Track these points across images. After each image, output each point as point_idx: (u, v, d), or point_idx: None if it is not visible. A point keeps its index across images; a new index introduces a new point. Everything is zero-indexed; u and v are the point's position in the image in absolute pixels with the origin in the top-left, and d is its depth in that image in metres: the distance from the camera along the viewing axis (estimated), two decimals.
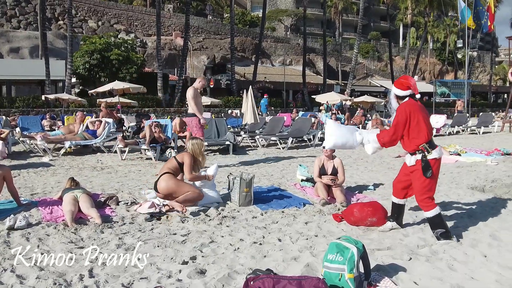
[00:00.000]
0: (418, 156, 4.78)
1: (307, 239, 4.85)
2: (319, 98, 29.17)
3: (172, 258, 4.23)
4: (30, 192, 7.14)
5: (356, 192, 7.44)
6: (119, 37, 42.76)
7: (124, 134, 15.22)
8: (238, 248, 4.54)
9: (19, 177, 8.68)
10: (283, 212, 6.03)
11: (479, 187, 7.94)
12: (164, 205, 5.98)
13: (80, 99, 27.51)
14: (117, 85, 22.34)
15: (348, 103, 30.18)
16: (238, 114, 22.96)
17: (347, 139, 5.23)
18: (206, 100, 32.02)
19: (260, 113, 26.23)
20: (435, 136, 14.40)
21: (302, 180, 7.99)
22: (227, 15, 61.53)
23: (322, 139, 16.34)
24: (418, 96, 4.89)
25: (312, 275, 3.80)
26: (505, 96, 63.55)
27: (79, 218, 5.53)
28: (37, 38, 38.98)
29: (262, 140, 15.06)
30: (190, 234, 4.98)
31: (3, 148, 11.10)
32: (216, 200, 6.46)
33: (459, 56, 58.53)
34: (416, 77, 50.51)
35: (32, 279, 3.74)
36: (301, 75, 44.98)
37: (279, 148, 14.08)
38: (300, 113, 24.11)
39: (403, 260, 4.23)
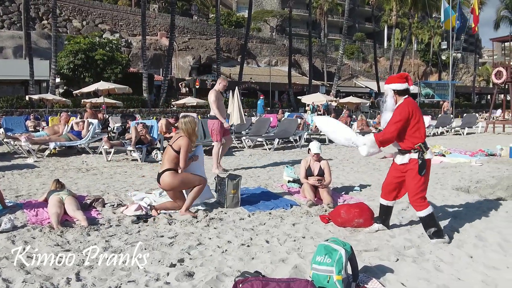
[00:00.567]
0: (413, 155, 4.79)
1: (294, 240, 4.85)
2: (305, 99, 29.28)
3: (159, 261, 4.21)
4: (15, 194, 7.06)
5: (343, 193, 7.47)
6: (103, 37, 42.53)
7: (109, 135, 15.12)
8: (226, 250, 4.53)
9: (3, 178, 8.60)
10: (270, 213, 6.03)
11: (464, 188, 8.02)
12: (152, 208, 5.94)
13: (64, 99, 27.31)
14: (102, 85, 22.23)
15: (334, 104, 30.32)
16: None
17: (347, 134, 5.15)
18: (191, 100, 32.02)
19: (255, 114, 26.22)
20: None
21: (288, 181, 8.01)
22: (212, 15, 61.49)
23: (308, 140, 16.42)
24: (412, 87, 4.88)
25: (300, 277, 3.81)
26: (489, 97, 64.43)
27: (65, 221, 5.48)
28: (21, 37, 38.62)
29: (248, 141, 15.07)
30: (178, 237, 4.97)
31: None
32: (209, 196, 6.42)
33: (444, 57, 59.09)
34: None
35: (18, 283, 3.70)
36: (286, 75, 45.10)
37: (266, 149, 14.09)
38: (286, 113, 24.14)
39: (390, 261, 4.25)
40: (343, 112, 24.16)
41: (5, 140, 13.02)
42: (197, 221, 5.57)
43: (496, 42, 26.17)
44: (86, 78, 33.15)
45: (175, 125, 15.04)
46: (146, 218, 5.66)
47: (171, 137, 13.72)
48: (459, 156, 12.08)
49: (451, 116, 25.90)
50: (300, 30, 70.23)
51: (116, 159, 11.57)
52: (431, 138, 18.95)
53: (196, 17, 62.92)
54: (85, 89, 23.48)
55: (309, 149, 7.08)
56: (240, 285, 3.33)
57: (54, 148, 12.12)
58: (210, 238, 4.91)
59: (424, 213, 4.83)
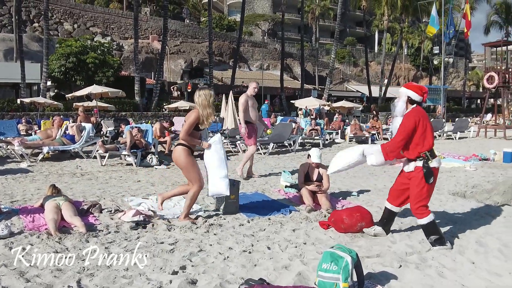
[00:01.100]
0: (419, 163, 4.81)
1: (296, 247, 4.83)
2: (298, 103, 29.32)
3: (161, 268, 4.16)
4: (10, 200, 6.97)
5: (340, 198, 7.46)
6: (95, 40, 42.32)
7: (103, 139, 15.03)
8: (227, 257, 4.50)
9: None
10: (269, 219, 6.00)
11: (460, 192, 8.04)
12: (151, 213, 5.90)
13: (56, 103, 27.14)
14: (95, 89, 22.11)
15: (326, 108, 30.38)
16: (217, 119, 22.84)
17: (350, 161, 5.10)
18: (184, 104, 31.93)
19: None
20: None
21: (286, 186, 7.99)
22: (204, 19, 61.54)
23: (302, 145, 16.44)
24: (424, 104, 4.95)
25: (305, 284, 3.79)
26: (478, 101, 64.86)
27: (63, 227, 5.41)
28: (12, 40, 38.40)
29: (243, 145, 15.03)
30: (178, 243, 4.92)
31: None
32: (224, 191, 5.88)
33: (435, 62, 59.41)
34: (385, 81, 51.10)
35: None
36: (278, 79, 45.16)
37: (260, 154, 14.07)
38: (279, 117, 24.14)
39: (393, 267, 4.24)
40: (335, 117, 24.23)
41: None
42: (197, 227, 5.53)
43: (487, 47, 26.31)
44: (77, 81, 33.00)
45: (169, 129, 14.98)
46: (144, 224, 5.61)
47: (165, 141, 13.71)
48: (453, 161, 12.12)
49: (443, 120, 26.03)
50: (291, 34, 70.40)
51: (110, 164, 11.48)
52: None
53: (187, 21, 62.89)
54: (78, 93, 23.35)
55: (308, 155, 7.06)
56: None
57: (48, 152, 12.02)
58: (211, 245, 4.87)
59: (425, 221, 4.85)
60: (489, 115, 34.45)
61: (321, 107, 29.87)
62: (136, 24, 33.62)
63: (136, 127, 12.37)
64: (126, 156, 11.26)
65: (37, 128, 17.30)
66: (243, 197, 7.16)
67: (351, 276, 3.52)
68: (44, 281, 3.85)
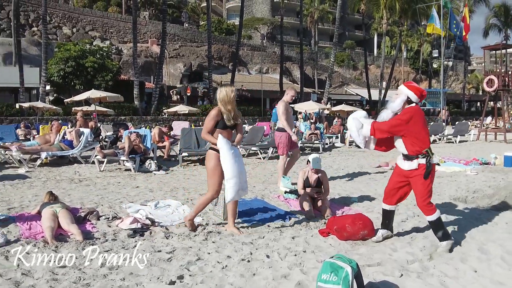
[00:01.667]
0: (421, 160, 4.88)
1: (295, 255, 4.75)
2: (297, 106, 29.22)
3: (158, 278, 4.09)
4: (7, 206, 6.90)
5: (341, 204, 7.39)
6: (94, 44, 42.33)
7: (101, 144, 14.96)
8: (226, 265, 4.42)
9: None
10: (269, 226, 5.94)
11: (462, 198, 7.97)
12: (148, 221, 5.81)
13: (55, 107, 27.09)
14: (93, 93, 22.04)
15: (326, 111, 30.31)
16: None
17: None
18: (183, 108, 31.90)
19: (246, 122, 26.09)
20: None
21: (285, 192, 7.92)
22: (203, 22, 61.54)
23: (301, 149, 16.35)
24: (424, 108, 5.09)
25: None
26: (478, 104, 64.86)
27: (59, 235, 5.35)
28: (10, 44, 38.34)
29: (242, 150, 14.97)
30: (176, 251, 4.85)
31: None
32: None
33: (435, 65, 59.45)
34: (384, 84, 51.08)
35: None
36: (277, 83, 45.15)
37: (260, 158, 14.01)
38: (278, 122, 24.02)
39: (394, 276, 4.17)
40: (335, 121, 24.15)
41: None
42: (195, 235, 5.46)
43: (486, 50, 26.30)
44: (76, 85, 32.97)
45: (168, 133, 14.93)
46: (142, 231, 5.54)
47: (164, 146, 13.65)
48: (453, 165, 12.06)
49: (443, 124, 25.97)
50: (290, 37, 70.46)
51: (109, 169, 11.41)
52: None
53: (186, 25, 62.92)
54: (77, 97, 23.27)
55: (308, 160, 7.00)
56: None
57: (46, 158, 11.95)
58: (209, 253, 4.80)
59: (433, 217, 4.94)
60: (489, 118, 34.39)
61: (321, 110, 29.79)
62: (135, 28, 33.63)
63: (134, 132, 12.31)
64: (125, 161, 11.19)
65: (36, 133, 17.25)
66: (242, 203, 7.08)
67: (351, 287, 3.45)
68: None
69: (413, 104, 4.95)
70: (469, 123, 27.82)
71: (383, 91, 49.23)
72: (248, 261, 4.57)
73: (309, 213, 6.36)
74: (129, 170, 11.09)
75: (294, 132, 9.09)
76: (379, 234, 5.32)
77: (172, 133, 16.53)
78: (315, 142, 17.35)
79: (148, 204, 6.98)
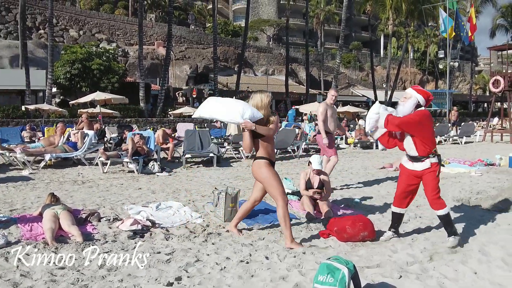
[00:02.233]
0: (433, 159, 5.09)
1: (294, 256, 4.73)
2: (302, 108, 29.23)
3: (156, 279, 4.08)
4: (9, 208, 6.93)
5: (342, 205, 7.37)
6: (100, 46, 42.54)
7: (106, 146, 15.00)
8: (224, 267, 4.41)
9: None
10: (269, 227, 5.92)
11: (465, 199, 7.92)
12: (148, 222, 5.81)
13: (60, 109, 27.18)
14: (98, 95, 22.12)
15: None
16: (222, 125, 22.80)
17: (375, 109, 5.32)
18: (189, 110, 31.92)
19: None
20: None
21: (287, 194, 7.89)
22: (209, 24, 61.65)
23: (306, 150, 16.34)
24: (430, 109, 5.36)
25: None
26: (485, 105, 64.56)
27: (60, 236, 5.36)
28: (17, 47, 38.58)
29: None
30: (175, 253, 4.84)
31: None
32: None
33: (441, 66, 59.23)
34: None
35: None
36: (283, 84, 45.14)
37: None
38: (283, 123, 24.04)
39: (393, 278, 4.14)
40: (342, 122, 24.11)
41: (0, 151, 12.85)
42: (195, 236, 5.46)
43: (493, 50, 26.18)
44: (82, 87, 33.10)
45: (172, 135, 14.95)
46: (142, 233, 5.54)
47: (168, 148, 13.67)
48: (458, 166, 11.99)
49: (449, 125, 25.86)
50: (296, 39, 70.46)
51: (112, 171, 11.43)
52: None
53: (193, 27, 63.05)
54: (82, 99, 23.37)
55: (309, 162, 6.98)
56: None
57: (50, 160, 11.99)
58: (208, 255, 4.79)
59: (444, 211, 5.12)
60: (495, 119, 34.20)
61: None
62: (141, 31, 33.73)
63: (138, 133, 12.33)
64: (128, 163, 11.20)
65: (41, 135, 17.31)
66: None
67: None
68: None
69: (422, 108, 5.09)
70: (475, 124, 27.67)
71: (389, 92, 49.11)
72: (247, 263, 4.55)
73: (310, 214, 6.33)
74: (132, 171, 11.11)
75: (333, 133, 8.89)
76: (389, 234, 5.44)
77: (176, 135, 16.55)
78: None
79: (150, 205, 6.98)
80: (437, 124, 25.09)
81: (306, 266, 4.44)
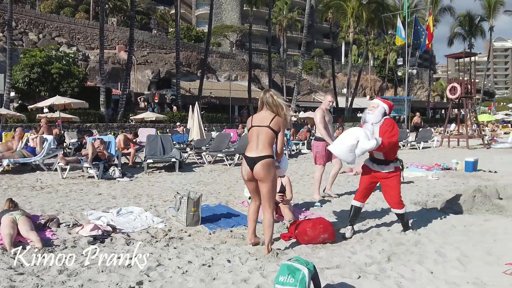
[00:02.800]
0: (396, 164, 5.70)
1: (256, 259, 4.77)
2: None
3: (117, 284, 4.06)
4: None
5: (304, 209, 7.46)
6: (60, 50, 41.72)
7: (65, 151, 14.74)
8: (186, 271, 4.42)
9: None
10: (231, 231, 5.95)
11: (422, 202, 8.14)
12: (109, 228, 5.76)
13: (19, 114, 26.50)
14: (58, 100, 21.72)
15: (294, 118, 30.53)
16: (184, 130, 22.72)
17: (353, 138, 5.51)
18: (150, 115, 31.68)
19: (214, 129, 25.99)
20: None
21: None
22: (172, 29, 61.36)
23: None
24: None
25: None
26: (443, 111, 66.25)
27: (18, 242, 5.25)
28: None
29: (208, 156, 14.95)
30: (136, 257, 4.81)
31: None
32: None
33: (400, 73, 60.52)
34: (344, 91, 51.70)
35: None
36: (246, 90, 45.23)
37: (226, 165, 14.01)
38: (246, 129, 24.12)
39: (352, 278, 4.23)
40: (303, 128, 24.36)
41: None
42: (157, 241, 5.44)
43: (450, 58, 26.91)
44: (42, 92, 32.35)
45: (134, 140, 14.80)
46: (103, 238, 5.49)
47: (129, 153, 13.53)
48: (415, 171, 12.28)
49: (407, 130, 26.43)
50: (259, 45, 70.82)
51: (72, 176, 11.25)
52: None
53: (155, 31, 62.59)
54: (41, 104, 22.90)
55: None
56: None
57: (8, 165, 11.71)
58: (170, 259, 4.78)
59: (404, 210, 5.80)
60: (453, 125, 35.11)
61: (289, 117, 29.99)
62: (102, 34, 33.27)
63: (98, 138, 12.17)
64: (88, 168, 11.04)
65: None
66: (206, 209, 7.10)
67: None
68: None
69: (387, 116, 5.68)
70: (432, 130, 28.36)
71: (349, 99, 49.86)
72: (209, 266, 4.57)
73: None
74: (92, 177, 10.95)
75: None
76: (350, 229, 5.79)
77: (138, 140, 16.41)
78: None
79: (110, 211, 6.91)
80: (404, 129, 25.60)
81: (268, 268, 4.48)
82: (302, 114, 34.28)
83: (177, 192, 7.29)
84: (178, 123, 30.78)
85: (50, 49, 39.54)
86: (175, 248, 5.19)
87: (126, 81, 35.64)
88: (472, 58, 26.09)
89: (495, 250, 5.06)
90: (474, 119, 25.29)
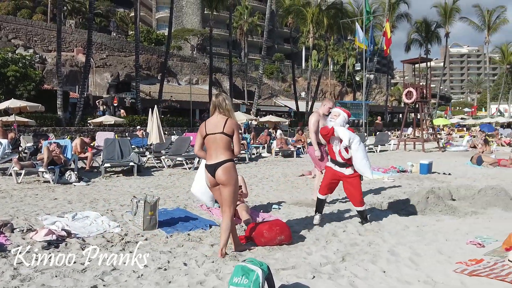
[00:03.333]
0: (353, 168, 6.41)
1: (213, 262, 4.79)
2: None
3: None
4: None
5: (261, 211, 7.52)
6: (17, 52, 40.63)
7: (20, 155, 14.39)
8: (142, 274, 4.39)
9: None
10: (189, 234, 5.94)
11: (377, 203, 8.31)
12: (64, 232, 5.67)
13: None
14: (13, 103, 21.19)
15: (254, 122, 30.65)
16: (144, 134, 22.49)
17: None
18: (109, 119, 31.24)
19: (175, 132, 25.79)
20: None
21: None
22: (131, 32, 60.55)
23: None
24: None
25: None
26: (400, 115, 67.63)
27: None
28: None
29: (168, 160, 14.85)
30: (91, 262, 4.76)
31: None
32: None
33: (357, 78, 61.56)
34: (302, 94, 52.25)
35: None
36: (207, 94, 45.11)
37: (186, 169, 13.95)
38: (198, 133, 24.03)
39: (306, 278, 4.30)
40: (264, 131, 24.49)
41: None
42: (112, 245, 5.39)
43: (406, 63, 27.53)
44: None
45: (91, 144, 14.58)
46: (57, 243, 5.40)
47: (86, 157, 13.32)
48: (372, 173, 12.49)
49: (365, 134, 26.90)
50: (221, 49, 70.81)
51: (27, 181, 11.00)
52: None
53: (114, 34, 61.70)
54: None
55: None
56: None
57: None
58: (125, 263, 4.75)
59: (364, 207, 6.53)
60: (409, 129, 35.90)
61: (249, 121, 30.12)
62: (59, 37, 32.57)
63: (54, 142, 11.93)
64: (43, 173, 10.82)
65: None
66: (163, 213, 7.06)
67: None
68: None
69: (348, 125, 6.54)
70: (389, 133, 28.94)
71: (310, 103, 50.36)
72: (165, 269, 4.56)
73: None
74: (48, 181, 10.73)
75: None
76: (317, 217, 6.48)
77: (95, 143, 16.16)
78: (242, 152, 17.48)
79: (66, 215, 6.80)
80: (356, 133, 25.98)
81: (224, 270, 4.51)
82: (262, 118, 34.43)
83: (134, 196, 7.21)
84: (138, 127, 30.45)
85: (6, 51, 38.44)
86: (131, 252, 5.14)
87: (84, 84, 34.99)
88: (428, 64, 26.76)
89: (446, 249, 5.22)
90: (430, 123, 25.93)
